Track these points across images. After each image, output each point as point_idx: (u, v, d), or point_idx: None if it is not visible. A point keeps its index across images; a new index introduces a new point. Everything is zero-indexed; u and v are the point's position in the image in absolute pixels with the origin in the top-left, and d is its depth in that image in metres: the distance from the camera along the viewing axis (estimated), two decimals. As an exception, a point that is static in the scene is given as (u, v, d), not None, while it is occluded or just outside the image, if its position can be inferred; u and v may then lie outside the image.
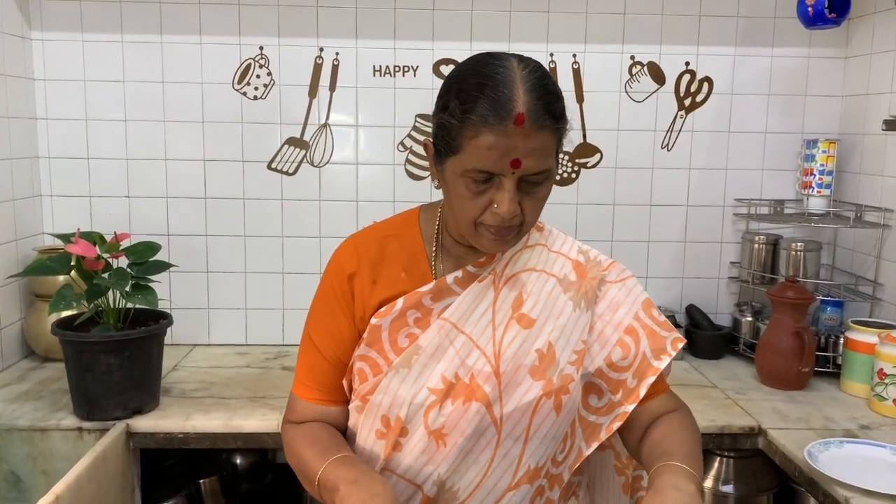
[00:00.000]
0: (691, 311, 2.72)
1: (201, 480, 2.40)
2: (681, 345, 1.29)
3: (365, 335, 1.21)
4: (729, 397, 2.27)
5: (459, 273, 1.22)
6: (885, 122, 1.99)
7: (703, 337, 2.64)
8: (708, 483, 2.26)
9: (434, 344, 1.19)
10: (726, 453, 2.25)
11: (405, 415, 1.18)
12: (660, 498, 1.04)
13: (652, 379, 1.25)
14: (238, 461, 2.61)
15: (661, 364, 1.25)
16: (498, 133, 1.04)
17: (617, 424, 1.25)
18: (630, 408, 1.25)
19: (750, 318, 2.64)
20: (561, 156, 2.57)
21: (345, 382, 1.25)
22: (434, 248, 1.25)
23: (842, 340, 2.38)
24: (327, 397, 1.26)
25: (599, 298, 1.28)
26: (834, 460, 1.81)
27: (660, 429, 1.23)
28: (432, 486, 1.20)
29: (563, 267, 1.27)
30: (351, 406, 1.26)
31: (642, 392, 1.25)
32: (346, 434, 1.27)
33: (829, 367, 2.42)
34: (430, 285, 1.21)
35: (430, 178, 2.62)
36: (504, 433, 1.19)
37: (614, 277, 1.30)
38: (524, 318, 1.21)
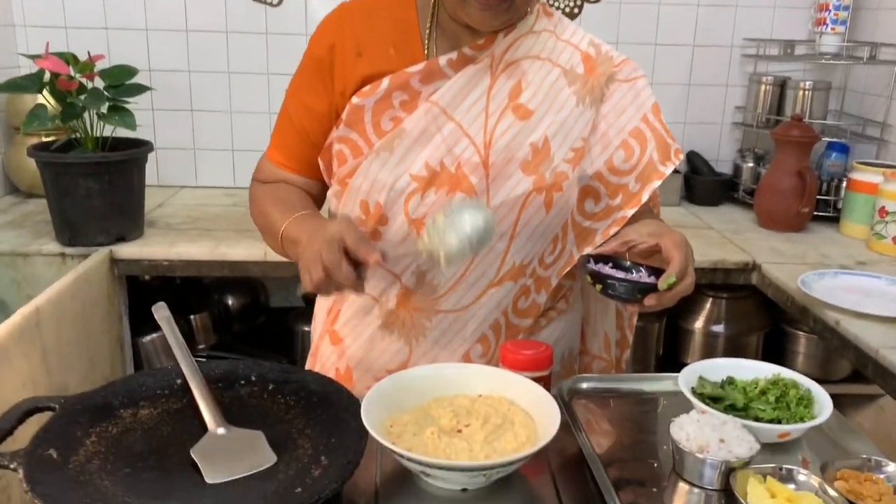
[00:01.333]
0: (692, 157, 2.65)
1: (192, 316, 2.40)
2: (681, 156, 1.23)
3: (345, 115, 1.14)
4: (725, 237, 2.23)
5: (454, 55, 1.13)
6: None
7: (703, 182, 2.58)
8: (699, 323, 2.26)
9: (419, 128, 1.12)
10: (719, 294, 2.24)
11: (384, 201, 1.12)
12: (666, 229, 1.08)
13: (657, 184, 1.20)
14: (230, 302, 2.60)
15: (667, 170, 1.20)
16: None
17: (614, 229, 1.20)
18: (630, 212, 1.20)
19: (751, 164, 2.57)
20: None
21: (321, 162, 1.20)
22: (428, 26, 1.15)
23: (844, 183, 2.32)
24: (293, 166, 1.22)
25: (605, 97, 1.20)
26: (827, 289, 1.79)
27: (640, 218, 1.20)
28: (411, 277, 1.16)
29: (570, 58, 1.18)
30: (330, 192, 1.21)
31: (645, 196, 1.19)
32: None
33: (829, 212, 2.38)
34: (421, 65, 1.12)
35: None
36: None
37: (624, 76, 1.21)
38: (521, 109, 1.13)
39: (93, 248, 1.96)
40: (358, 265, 0.99)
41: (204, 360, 2.32)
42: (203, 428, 0.86)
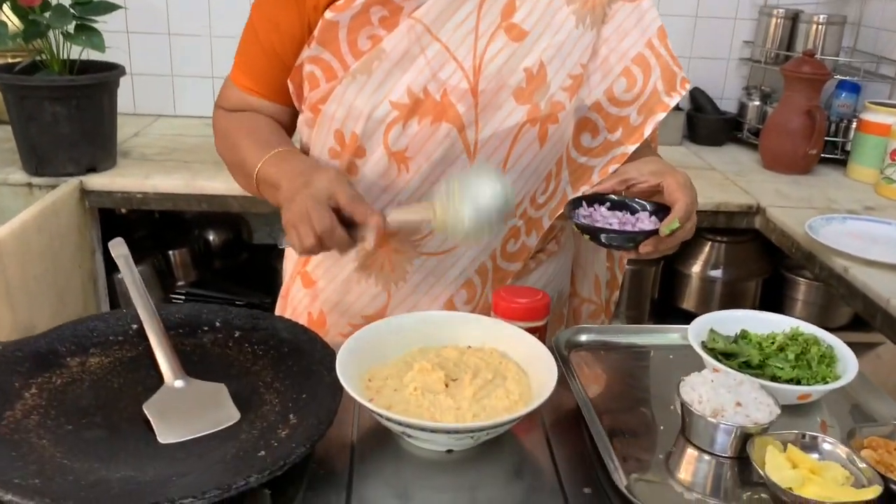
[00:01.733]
0: (695, 94, 2.52)
1: (171, 251, 2.31)
2: (688, 86, 1.13)
3: (317, 32, 1.02)
4: (728, 178, 2.14)
5: None
6: None
7: (706, 121, 2.47)
8: (696, 267, 2.19)
9: (401, 49, 1.00)
10: (718, 237, 2.16)
11: (361, 131, 1.02)
12: (669, 168, 1.00)
13: (661, 116, 1.10)
14: (211, 238, 2.51)
15: (672, 101, 1.10)
16: None
17: (613, 167, 1.11)
18: (630, 148, 1.10)
19: (758, 103, 2.46)
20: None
21: (290, 85, 1.09)
22: None
23: (854, 125, 2.23)
24: (262, 91, 1.11)
25: (607, 18, 1.09)
26: (835, 234, 1.70)
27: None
28: None
29: None
30: (300, 119, 1.11)
31: (647, 131, 1.09)
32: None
33: (836, 154, 2.29)
34: None
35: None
36: (477, 162, 1.04)
37: None
38: (514, 29, 1.02)
39: (62, 179, 1.85)
40: (351, 223, 0.89)
41: (182, 297, 2.28)
42: (159, 380, 0.77)
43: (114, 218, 2.20)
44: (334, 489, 0.71)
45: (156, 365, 0.78)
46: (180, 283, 2.33)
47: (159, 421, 0.71)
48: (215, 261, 2.50)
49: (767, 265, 2.21)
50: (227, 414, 0.73)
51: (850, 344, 2.20)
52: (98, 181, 1.88)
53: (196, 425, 0.70)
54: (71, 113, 1.81)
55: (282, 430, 0.69)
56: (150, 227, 2.37)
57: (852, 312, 2.22)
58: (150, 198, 1.91)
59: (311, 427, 0.68)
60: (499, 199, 0.88)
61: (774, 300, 2.24)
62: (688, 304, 2.20)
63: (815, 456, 0.69)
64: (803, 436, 0.71)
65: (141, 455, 0.67)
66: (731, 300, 2.19)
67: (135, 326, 0.83)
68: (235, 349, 0.83)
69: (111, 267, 2.10)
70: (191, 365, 0.79)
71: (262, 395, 0.76)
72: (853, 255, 1.57)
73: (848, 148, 2.24)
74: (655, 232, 0.92)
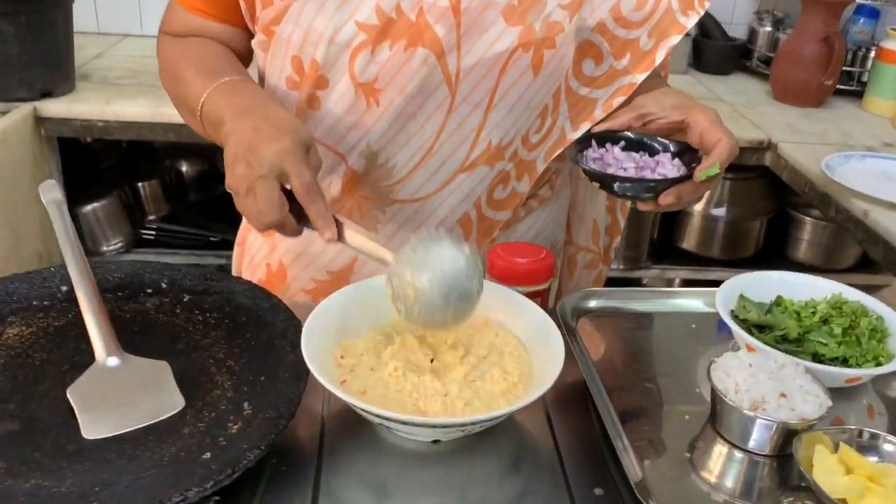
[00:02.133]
0: (702, 18, 2.33)
1: (140, 183, 2.16)
2: (707, 4, 0.98)
3: None
4: (737, 111, 2.00)
5: None
6: None
7: (713, 48, 2.32)
8: (698, 206, 2.07)
9: None
10: (724, 174, 2.03)
11: (323, 57, 0.87)
12: (695, 102, 0.87)
13: (675, 40, 0.96)
14: (184, 168, 2.35)
15: (689, 22, 0.96)
16: None
17: (619, 99, 0.97)
18: (639, 77, 0.97)
19: (769, 28, 2.31)
20: None
21: (242, 3, 0.93)
22: None
23: (872, 54, 2.08)
24: (212, 10, 0.95)
25: None
26: (853, 173, 1.59)
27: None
28: (359, 158, 0.93)
29: None
30: (254, 42, 0.96)
31: (659, 57, 0.96)
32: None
33: (852, 85, 2.16)
34: None
35: None
36: (460, 95, 0.90)
37: None
38: None
39: (13, 104, 1.69)
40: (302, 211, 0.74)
41: (153, 233, 2.14)
42: (90, 356, 0.64)
43: (77, 147, 2.05)
44: (298, 489, 0.60)
45: (87, 337, 0.65)
46: (151, 218, 2.19)
47: (85, 410, 0.59)
48: (189, 193, 2.34)
49: (773, 203, 2.10)
50: (169, 401, 0.61)
51: (854, 286, 2.12)
52: (54, 107, 1.73)
53: (130, 416, 0.58)
54: (19, 31, 1.64)
55: (233, 423, 0.57)
56: (118, 157, 2.21)
57: (859, 253, 2.12)
58: (112, 126, 1.75)
59: (267, 421, 0.56)
60: (462, 274, 0.67)
61: (778, 240, 2.15)
62: (688, 244, 2.09)
63: (874, 458, 0.58)
64: (860, 433, 0.59)
65: (60, 456, 0.55)
66: (734, 240, 2.10)
67: (64, 289, 0.70)
68: (183, 317, 0.70)
69: (76, 200, 1.96)
70: (129, 337, 0.66)
71: (213, 377, 0.64)
72: (874, 197, 1.46)
73: (865, 79, 2.12)
74: (681, 179, 0.79)
